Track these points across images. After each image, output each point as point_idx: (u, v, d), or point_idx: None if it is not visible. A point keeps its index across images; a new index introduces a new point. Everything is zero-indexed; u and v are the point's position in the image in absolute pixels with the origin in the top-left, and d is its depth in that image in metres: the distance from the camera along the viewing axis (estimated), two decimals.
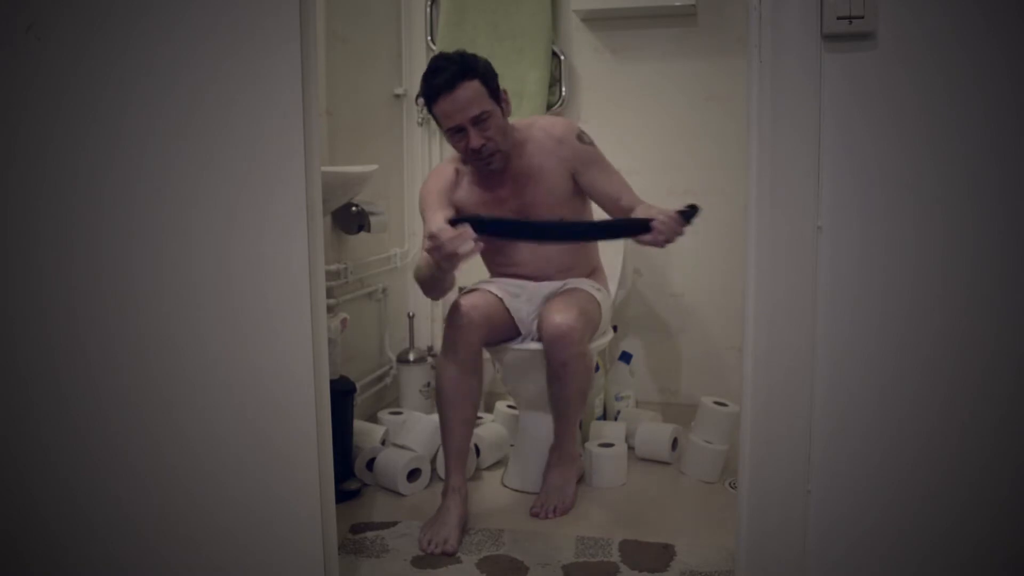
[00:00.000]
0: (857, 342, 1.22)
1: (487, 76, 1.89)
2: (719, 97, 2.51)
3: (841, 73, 1.17)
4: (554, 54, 2.60)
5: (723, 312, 2.60)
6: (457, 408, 1.91)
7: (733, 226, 2.52)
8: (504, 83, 2.57)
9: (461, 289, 2.09)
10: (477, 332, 1.90)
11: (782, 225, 1.21)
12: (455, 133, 1.89)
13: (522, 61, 2.57)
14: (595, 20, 2.59)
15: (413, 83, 2.75)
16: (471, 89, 1.84)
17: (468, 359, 1.89)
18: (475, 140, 1.87)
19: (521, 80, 2.57)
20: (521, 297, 2.04)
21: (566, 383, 1.92)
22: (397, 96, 2.73)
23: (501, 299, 2.01)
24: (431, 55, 2.67)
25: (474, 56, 1.89)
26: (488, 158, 1.91)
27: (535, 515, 1.96)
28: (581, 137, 1.98)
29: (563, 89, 2.62)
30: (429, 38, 2.71)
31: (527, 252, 2.09)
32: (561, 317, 1.87)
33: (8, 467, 1.19)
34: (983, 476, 1.20)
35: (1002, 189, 1.15)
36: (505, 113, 1.94)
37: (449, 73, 1.83)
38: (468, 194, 2.01)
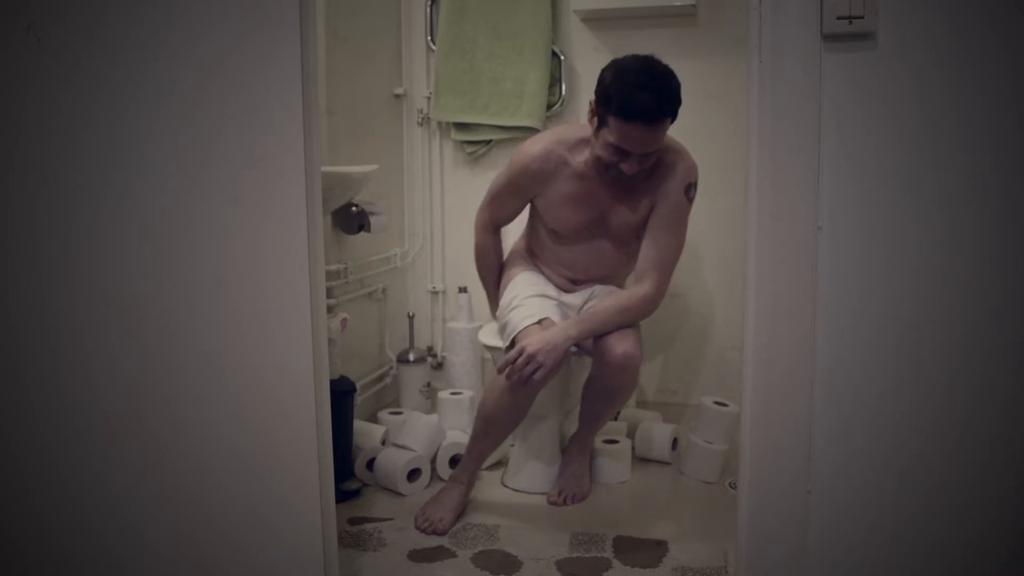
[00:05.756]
0: (857, 342, 1.22)
1: (678, 109, 1.80)
2: (719, 97, 2.51)
3: (841, 73, 1.17)
4: (554, 54, 2.60)
5: (723, 312, 2.60)
6: (500, 431, 1.94)
7: (733, 226, 2.53)
8: (504, 83, 2.59)
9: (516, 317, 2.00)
10: (544, 380, 1.85)
11: (782, 225, 1.21)
12: (616, 149, 1.79)
13: (522, 61, 2.57)
14: (595, 20, 2.59)
15: (413, 83, 2.75)
16: (664, 128, 1.77)
17: (527, 396, 1.88)
18: (631, 168, 1.80)
19: (521, 80, 2.57)
20: (564, 314, 2.02)
21: (616, 402, 1.98)
22: (397, 96, 2.73)
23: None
24: (431, 55, 2.70)
25: (675, 77, 1.79)
26: (622, 175, 1.83)
27: (553, 503, 2.00)
28: (688, 190, 1.91)
29: (563, 89, 2.62)
30: (429, 38, 2.71)
31: (577, 257, 2.05)
32: (624, 347, 1.84)
33: (8, 467, 1.19)
34: (983, 476, 1.20)
35: (1002, 189, 1.15)
36: None
37: (658, 104, 1.72)
38: (564, 183, 1.93)
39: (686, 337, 2.66)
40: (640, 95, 1.72)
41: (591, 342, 1.89)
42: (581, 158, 1.91)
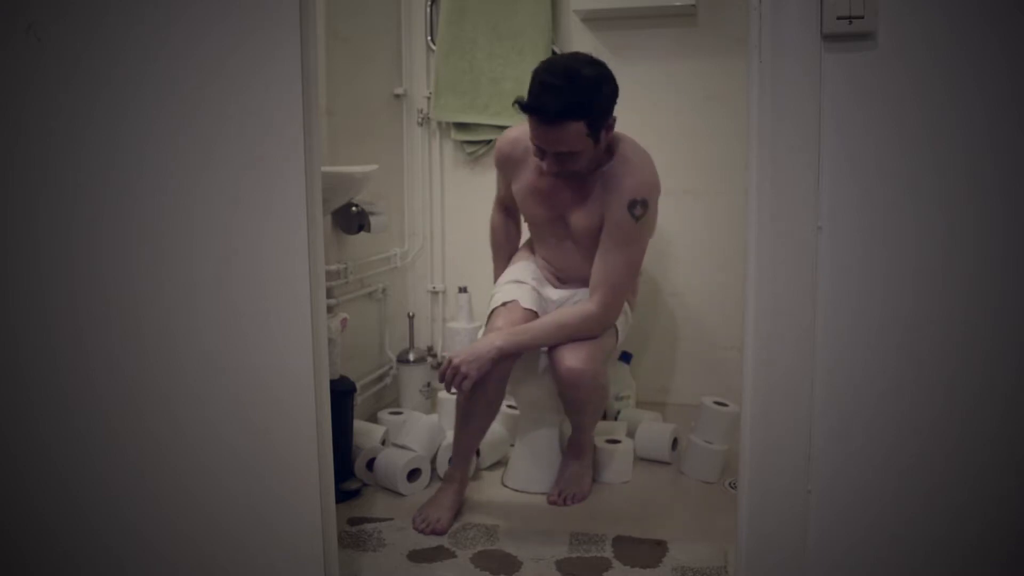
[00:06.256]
0: (857, 342, 1.22)
1: (598, 113, 1.76)
2: (719, 97, 2.51)
3: (841, 73, 1.17)
4: (554, 54, 2.60)
5: (723, 312, 2.60)
6: (479, 420, 1.95)
7: (733, 226, 2.53)
8: (504, 83, 2.59)
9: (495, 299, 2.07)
10: (510, 361, 1.89)
11: (782, 225, 1.21)
12: (536, 146, 1.82)
13: (522, 61, 2.57)
14: (595, 20, 2.59)
15: (413, 83, 2.75)
16: (572, 130, 1.73)
17: (499, 379, 1.90)
18: (550, 167, 1.81)
19: (521, 80, 2.56)
20: (546, 308, 2.05)
21: (582, 412, 2.00)
22: (397, 96, 2.72)
23: (535, 310, 2.00)
24: (431, 55, 2.69)
25: (596, 83, 1.75)
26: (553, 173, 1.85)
27: (552, 503, 2.01)
28: (632, 208, 1.85)
29: None
30: (429, 38, 2.71)
31: (552, 254, 2.09)
32: (569, 362, 1.86)
33: (8, 467, 1.19)
34: (983, 476, 1.20)
35: (1002, 189, 1.15)
36: (602, 140, 1.82)
37: (558, 107, 1.70)
38: (529, 173, 1.98)
39: (686, 337, 2.65)
40: (539, 94, 1.73)
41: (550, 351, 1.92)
42: None
